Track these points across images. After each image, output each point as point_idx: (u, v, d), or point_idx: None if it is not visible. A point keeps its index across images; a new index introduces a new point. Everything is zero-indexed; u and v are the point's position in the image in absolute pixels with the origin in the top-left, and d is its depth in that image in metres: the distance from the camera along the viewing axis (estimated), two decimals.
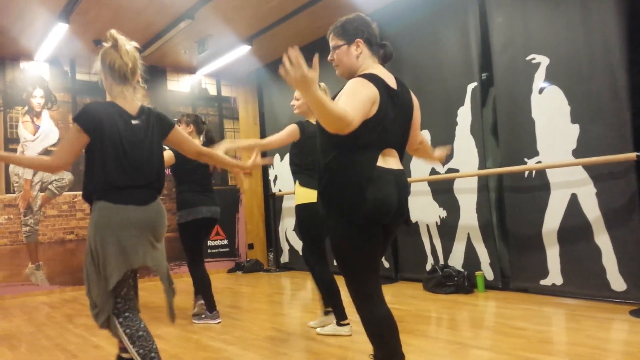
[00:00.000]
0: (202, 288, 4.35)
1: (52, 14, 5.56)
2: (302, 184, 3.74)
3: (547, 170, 4.55)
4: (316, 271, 3.72)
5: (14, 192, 6.72)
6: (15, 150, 6.75)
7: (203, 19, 5.98)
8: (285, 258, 7.92)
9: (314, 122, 3.65)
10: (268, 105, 8.24)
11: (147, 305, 5.40)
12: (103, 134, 2.37)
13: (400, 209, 2.15)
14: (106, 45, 2.52)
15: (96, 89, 7.32)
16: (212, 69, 7.85)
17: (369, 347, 3.26)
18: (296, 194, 3.79)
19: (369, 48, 2.32)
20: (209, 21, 6.12)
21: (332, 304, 3.70)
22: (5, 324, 4.88)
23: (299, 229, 3.84)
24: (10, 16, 5.62)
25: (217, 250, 8.05)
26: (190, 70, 8.04)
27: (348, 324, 3.68)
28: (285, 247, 7.92)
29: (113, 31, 2.51)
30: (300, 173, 3.79)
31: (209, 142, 4.58)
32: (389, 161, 2.15)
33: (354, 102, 2.01)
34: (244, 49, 6.93)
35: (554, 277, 4.51)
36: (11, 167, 6.71)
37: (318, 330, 3.79)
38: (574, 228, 4.37)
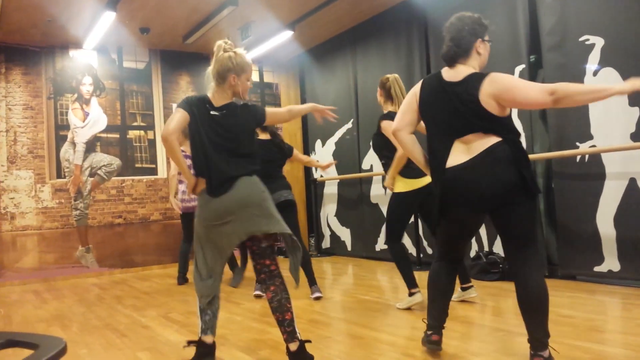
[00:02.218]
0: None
1: (99, 2, 5.68)
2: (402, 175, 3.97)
3: (603, 155, 4.40)
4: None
5: (64, 177, 6.94)
6: (65, 137, 6.95)
7: (246, 5, 6.00)
8: (326, 243, 7.95)
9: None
10: (310, 90, 8.25)
11: (193, 288, 5.51)
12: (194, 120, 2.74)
13: (449, 201, 2.54)
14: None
15: (142, 76, 7.50)
16: (255, 55, 7.87)
17: (415, 334, 3.26)
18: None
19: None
20: (251, 7, 6.14)
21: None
22: (57, 304, 5.06)
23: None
24: (60, 5, 5.76)
25: None
26: None
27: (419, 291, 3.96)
28: (326, 233, 7.95)
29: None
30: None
31: None
32: (453, 156, 2.52)
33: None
34: (286, 35, 6.92)
35: (611, 263, 4.37)
36: (62, 152, 6.92)
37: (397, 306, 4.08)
38: (634, 213, 4.22)
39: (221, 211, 2.65)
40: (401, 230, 4.01)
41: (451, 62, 2.63)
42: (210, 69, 2.80)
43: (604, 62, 4.37)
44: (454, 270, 2.78)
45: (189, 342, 2.84)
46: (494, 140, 2.43)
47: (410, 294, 3.95)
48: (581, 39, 4.51)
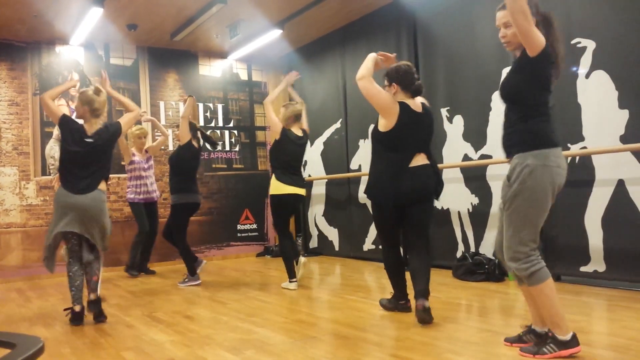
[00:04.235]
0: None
1: None
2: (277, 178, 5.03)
3: (593, 157, 4.43)
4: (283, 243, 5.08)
5: (49, 174, 6.85)
6: (51, 133, 6.87)
7: (235, 3, 5.97)
8: (314, 243, 7.94)
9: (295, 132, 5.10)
10: (298, 89, 8.17)
11: (179, 287, 5.48)
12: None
13: (405, 195, 3.56)
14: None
15: (129, 73, 7.44)
16: (243, 53, 7.85)
17: (401, 334, 3.26)
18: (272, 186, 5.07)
19: (402, 88, 3.63)
20: (240, 5, 6.11)
21: (286, 267, 5.00)
22: (41, 302, 5.01)
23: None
24: (46, 0, 5.70)
25: (246, 234, 8.12)
26: (222, 55, 8.06)
27: (296, 281, 5.01)
28: (314, 232, 7.94)
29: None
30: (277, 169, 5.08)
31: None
32: (414, 162, 3.59)
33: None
34: (275, 34, 6.90)
35: (596, 263, 4.40)
36: (47, 149, 6.84)
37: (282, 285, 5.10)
38: (622, 214, 4.24)
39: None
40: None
41: (417, 95, 3.65)
42: (99, 106, 3.98)
43: (595, 65, 4.39)
44: (399, 251, 3.88)
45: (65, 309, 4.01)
46: (427, 160, 3.62)
47: (290, 281, 5.00)
48: (573, 41, 4.52)
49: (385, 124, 3.56)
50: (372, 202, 3.81)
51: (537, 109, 2.68)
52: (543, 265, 2.68)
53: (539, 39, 2.58)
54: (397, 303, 3.86)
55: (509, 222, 2.70)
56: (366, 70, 3.64)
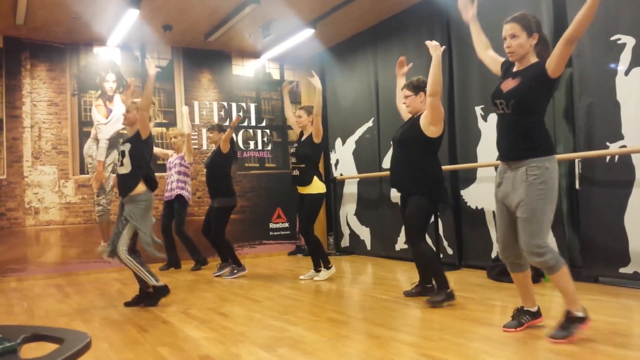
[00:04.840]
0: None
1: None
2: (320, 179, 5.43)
3: (633, 155, 4.32)
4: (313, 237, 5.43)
5: (87, 173, 7.02)
6: (88, 133, 7.04)
7: (268, 2, 6.01)
8: (345, 242, 7.95)
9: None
10: (330, 88, 8.23)
11: (213, 284, 5.54)
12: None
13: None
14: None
15: (165, 74, 7.55)
16: (276, 53, 7.90)
17: (433, 334, 3.24)
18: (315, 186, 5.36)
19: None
20: (273, 5, 6.15)
21: (321, 257, 5.48)
22: (79, 298, 5.13)
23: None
24: (84, 2, 5.83)
25: (278, 233, 8.17)
26: (255, 54, 8.12)
27: (332, 265, 5.53)
28: (346, 232, 7.94)
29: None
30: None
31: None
32: None
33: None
34: (308, 33, 6.92)
35: (637, 264, 4.29)
36: (85, 149, 7.01)
37: (315, 278, 5.42)
38: None
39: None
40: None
41: None
42: (152, 115, 4.42)
43: (635, 62, 4.29)
44: None
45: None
46: None
47: (329, 268, 5.47)
48: (612, 38, 4.42)
49: (435, 132, 4.03)
50: (432, 200, 4.10)
51: (543, 119, 3.02)
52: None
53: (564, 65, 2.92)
54: (447, 294, 3.99)
55: (531, 220, 2.91)
56: (439, 86, 3.98)
